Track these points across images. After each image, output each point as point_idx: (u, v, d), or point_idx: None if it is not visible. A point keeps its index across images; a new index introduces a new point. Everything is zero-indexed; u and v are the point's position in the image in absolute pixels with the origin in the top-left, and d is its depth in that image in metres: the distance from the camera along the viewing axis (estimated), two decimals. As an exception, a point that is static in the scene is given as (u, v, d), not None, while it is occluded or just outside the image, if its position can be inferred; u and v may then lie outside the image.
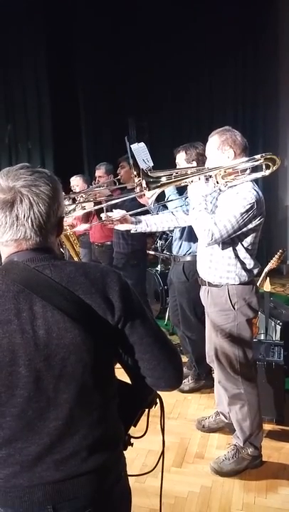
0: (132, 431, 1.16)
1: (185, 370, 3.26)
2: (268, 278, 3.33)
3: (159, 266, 4.62)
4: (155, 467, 1.26)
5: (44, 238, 0.99)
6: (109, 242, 3.86)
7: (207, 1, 5.63)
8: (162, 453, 1.25)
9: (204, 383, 3.04)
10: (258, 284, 3.30)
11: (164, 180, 1.58)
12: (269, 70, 5.85)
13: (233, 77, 6.16)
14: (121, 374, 1.10)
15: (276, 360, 2.62)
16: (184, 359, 3.29)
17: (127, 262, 3.50)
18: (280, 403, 2.58)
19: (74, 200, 3.64)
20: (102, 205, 2.79)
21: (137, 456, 2.26)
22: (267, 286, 3.31)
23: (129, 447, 1.15)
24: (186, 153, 2.73)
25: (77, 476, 0.99)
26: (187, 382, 3.07)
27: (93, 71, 6.43)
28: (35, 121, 6.23)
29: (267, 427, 2.54)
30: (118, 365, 1.09)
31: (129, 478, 1.16)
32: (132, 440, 1.16)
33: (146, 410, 1.17)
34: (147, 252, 4.02)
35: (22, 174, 0.97)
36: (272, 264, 3.31)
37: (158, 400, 1.18)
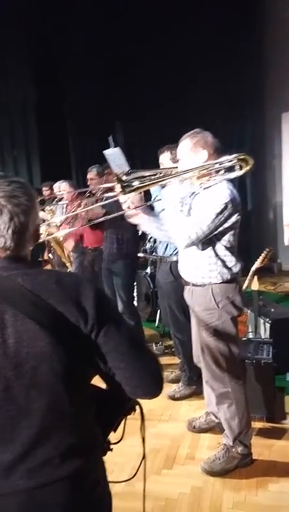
0: (116, 434, 1.15)
1: (178, 372, 3.25)
2: (255, 277, 3.35)
3: (148, 268, 4.60)
4: (134, 475, 1.27)
5: (22, 248, 1.01)
6: (102, 247, 3.82)
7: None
8: (143, 458, 1.23)
9: (195, 389, 2.97)
10: (245, 284, 3.33)
11: (136, 184, 1.59)
12: (252, 69, 5.90)
13: (222, 79, 6.16)
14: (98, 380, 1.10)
15: (265, 358, 2.63)
16: (176, 360, 3.29)
17: (120, 262, 3.45)
18: (270, 401, 2.60)
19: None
20: (97, 205, 2.75)
21: (128, 460, 2.25)
22: (255, 285, 3.32)
23: (120, 451, 1.15)
24: (171, 153, 2.72)
25: (51, 483, 0.98)
26: (178, 389, 3.02)
27: (80, 75, 6.40)
28: (20, 129, 6.21)
29: (257, 424, 2.54)
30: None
31: (121, 482, 1.16)
32: (114, 445, 1.15)
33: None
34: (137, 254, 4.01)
35: (0, 185, 0.97)
36: (258, 263, 3.33)
37: (137, 407, 1.17)
